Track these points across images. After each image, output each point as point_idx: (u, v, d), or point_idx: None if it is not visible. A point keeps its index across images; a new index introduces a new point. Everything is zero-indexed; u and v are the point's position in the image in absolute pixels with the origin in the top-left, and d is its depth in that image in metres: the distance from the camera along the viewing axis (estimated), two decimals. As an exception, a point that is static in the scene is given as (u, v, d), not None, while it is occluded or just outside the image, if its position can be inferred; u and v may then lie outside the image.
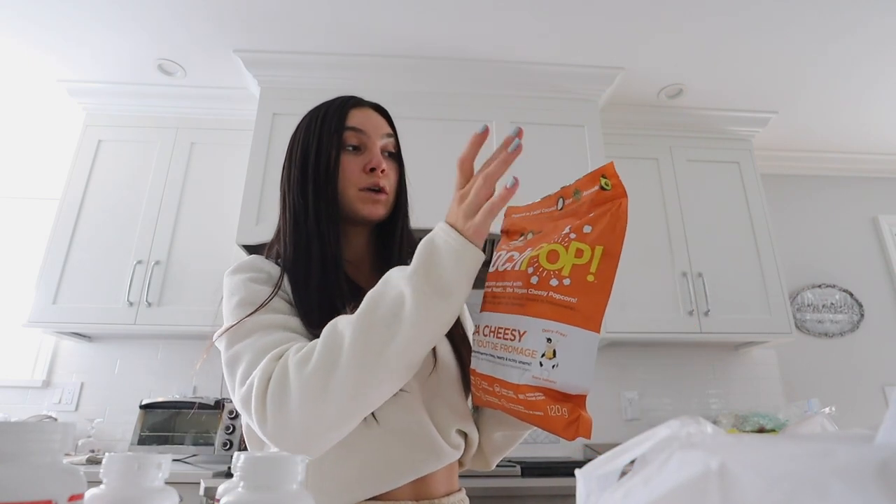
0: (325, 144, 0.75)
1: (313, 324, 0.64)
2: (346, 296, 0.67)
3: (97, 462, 1.80)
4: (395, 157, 0.82)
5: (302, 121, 0.82)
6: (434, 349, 0.72)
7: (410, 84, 2.29)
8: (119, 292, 2.13)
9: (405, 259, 0.78)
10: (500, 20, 2.06)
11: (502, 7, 2.00)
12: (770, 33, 2.10)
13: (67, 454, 1.62)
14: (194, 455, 1.96)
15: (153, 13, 2.00)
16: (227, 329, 0.64)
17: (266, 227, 2.03)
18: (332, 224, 0.73)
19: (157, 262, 2.17)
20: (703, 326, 2.25)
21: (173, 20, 2.04)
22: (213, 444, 1.98)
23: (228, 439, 1.99)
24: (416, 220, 0.85)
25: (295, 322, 0.65)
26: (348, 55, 2.24)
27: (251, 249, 2.08)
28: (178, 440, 2.01)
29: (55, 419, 2.13)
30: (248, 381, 0.57)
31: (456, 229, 0.55)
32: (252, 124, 2.21)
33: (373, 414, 0.61)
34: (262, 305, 0.65)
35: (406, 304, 0.54)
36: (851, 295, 2.76)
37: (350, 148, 0.77)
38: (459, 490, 0.76)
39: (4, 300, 2.59)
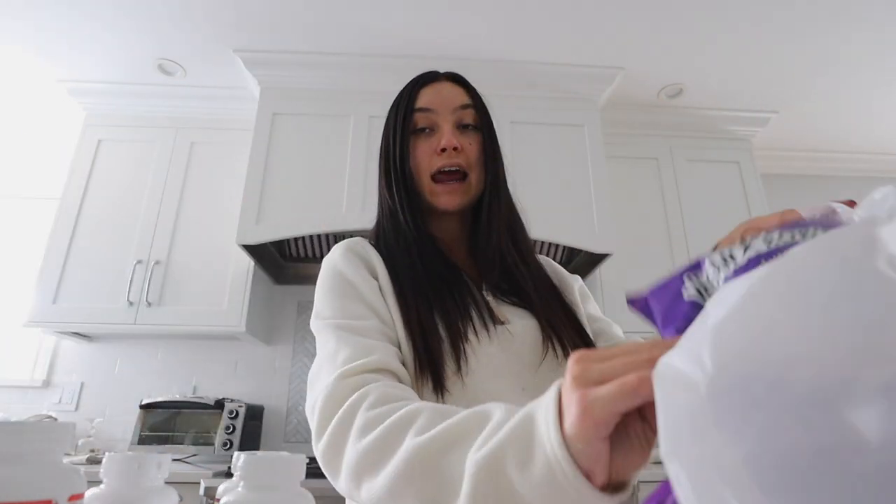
0: (396, 133, 0.73)
1: (411, 321, 0.62)
2: (444, 277, 0.67)
3: (97, 462, 1.80)
4: (478, 127, 0.75)
5: (389, 109, 0.79)
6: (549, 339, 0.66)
7: (410, 84, 2.29)
8: (119, 292, 2.13)
9: (494, 241, 0.73)
10: (499, 20, 2.06)
11: (502, 7, 1.99)
12: (770, 33, 2.10)
13: (67, 454, 1.62)
14: (194, 455, 1.96)
15: (153, 13, 2.00)
16: (315, 317, 0.64)
17: (266, 227, 2.03)
18: (414, 215, 0.72)
19: (157, 262, 2.17)
20: (703, 326, 2.25)
21: (173, 20, 2.04)
22: (213, 444, 1.98)
23: (228, 439, 1.98)
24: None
25: (373, 325, 0.61)
26: (348, 55, 2.24)
27: (251, 249, 2.08)
28: (178, 440, 2.01)
29: (55, 419, 2.13)
30: (313, 399, 0.54)
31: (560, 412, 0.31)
32: (252, 124, 2.21)
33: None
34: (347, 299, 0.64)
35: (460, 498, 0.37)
36: (851, 295, 2.76)
37: (421, 131, 0.73)
38: None
39: (4, 300, 2.59)
